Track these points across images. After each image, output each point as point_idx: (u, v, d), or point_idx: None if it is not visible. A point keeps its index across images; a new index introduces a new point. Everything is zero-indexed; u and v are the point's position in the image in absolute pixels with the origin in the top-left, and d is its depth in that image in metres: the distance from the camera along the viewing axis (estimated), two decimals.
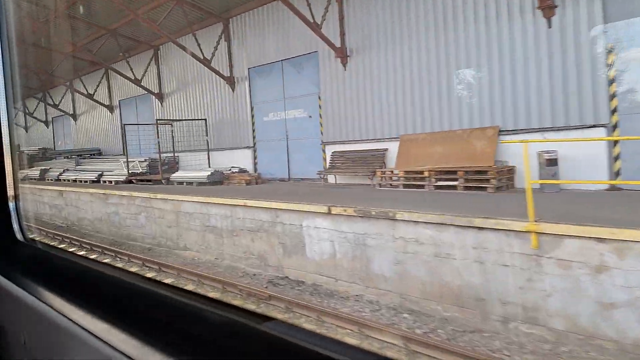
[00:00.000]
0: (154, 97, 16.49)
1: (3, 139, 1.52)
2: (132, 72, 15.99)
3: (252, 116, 12.76)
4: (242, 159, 13.05)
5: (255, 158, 12.84)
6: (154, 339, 0.75)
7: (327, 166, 10.35)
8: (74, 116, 22.78)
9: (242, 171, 12.54)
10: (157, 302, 0.96)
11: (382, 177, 8.46)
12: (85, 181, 15.93)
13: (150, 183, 13.21)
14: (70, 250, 9.94)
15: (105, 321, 0.84)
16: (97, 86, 19.53)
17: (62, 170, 18.64)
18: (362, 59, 9.68)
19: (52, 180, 18.53)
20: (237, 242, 7.98)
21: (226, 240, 8.22)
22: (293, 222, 6.86)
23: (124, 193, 11.14)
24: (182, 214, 9.28)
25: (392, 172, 8.39)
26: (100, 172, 15.72)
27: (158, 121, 12.91)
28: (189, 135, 14.99)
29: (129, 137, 18.94)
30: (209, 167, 13.97)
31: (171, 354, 0.69)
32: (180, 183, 12.32)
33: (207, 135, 14.02)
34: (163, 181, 12.77)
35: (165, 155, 15.49)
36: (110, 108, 19.46)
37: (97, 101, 19.42)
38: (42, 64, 19.88)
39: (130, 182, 14.09)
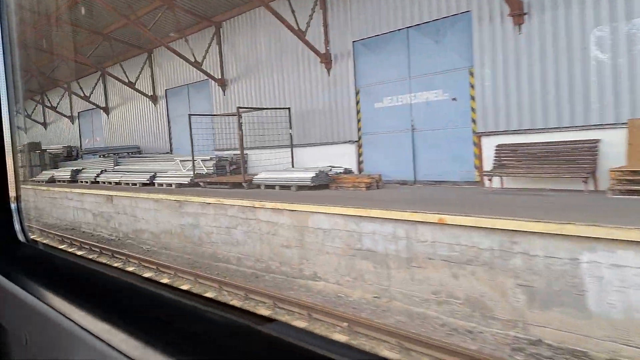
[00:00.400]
0: (215, 83, 14.14)
1: (4, 139, 1.48)
2: (193, 53, 13.65)
3: (357, 103, 10.33)
4: (338, 157, 10.64)
5: (359, 155, 10.40)
6: (155, 339, 0.75)
7: (491, 165, 7.87)
8: (106, 109, 20.58)
9: (348, 172, 10.13)
10: (158, 303, 0.97)
11: (617, 179, 5.97)
12: (134, 184, 13.67)
13: (226, 187, 10.85)
14: (146, 275, 7.64)
15: (106, 321, 0.85)
16: (139, 74, 17.26)
17: (99, 171, 16.45)
18: (551, 15, 7.18)
19: (87, 182, 16.36)
20: (420, 276, 5.55)
21: (396, 272, 5.80)
22: (556, 255, 4.40)
23: (210, 200, 8.78)
24: (311, 231, 6.88)
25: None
26: (152, 174, 13.45)
27: (240, 109, 10.54)
28: (259, 129, 12.66)
29: (177, 132, 16.71)
30: (292, 166, 11.62)
31: (172, 354, 0.70)
32: (270, 187, 9.94)
33: (290, 128, 11.64)
34: (244, 184, 10.41)
35: (228, 153, 13.19)
36: (154, 99, 17.19)
37: (139, 91, 17.16)
38: (70, 48, 17.72)
39: (197, 185, 11.77)
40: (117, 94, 19.78)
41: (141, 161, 15.91)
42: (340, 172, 9.90)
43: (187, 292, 1.01)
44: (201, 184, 11.72)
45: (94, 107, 21.21)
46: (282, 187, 9.67)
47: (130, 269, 8.65)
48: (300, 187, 9.33)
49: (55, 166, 21.95)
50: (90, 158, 22.57)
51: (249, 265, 8.00)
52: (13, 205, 1.56)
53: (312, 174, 9.22)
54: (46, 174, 19.49)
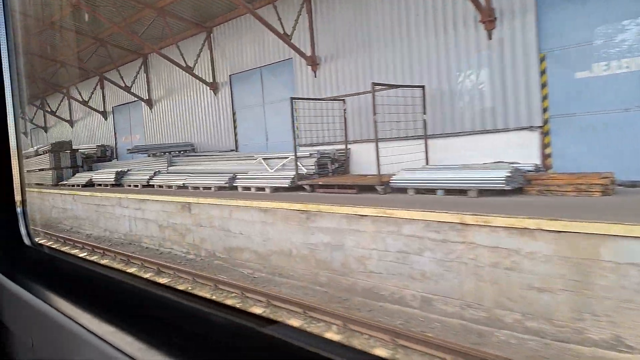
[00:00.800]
0: (302, 63, 11.48)
1: (10, 144, 1.51)
2: (281, 24, 11.02)
3: (542, 73, 7.57)
4: (505, 149, 7.90)
5: (544, 146, 7.63)
6: (159, 341, 0.77)
7: None
8: (149, 102, 18.09)
9: (538, 169, 7.36)
10: (162, 305, 0.98)
11: None
12: (207, 188, 11.08)
13: (351, 191, 8.15)
14: (295, 324, 4.96)
15: (111, 324, 0.86)
16: (197, 58, 14.67)
17: (151, 172, 13.93)
18: None
19: (137, 186, 13.88)
20: None
21: None
22: None
23: (367, 211, 6.08)
24: (607, 267, 4.13)
25: None
26: (230, 175, 10.83)
27: (375, 85, 7.86)
28: (364, 115, 10.03)
29: (244, 126, 14.10)
30: (427, 163, 8.91)
31: (175, 355, 0.71)
32: (425, 191, 7.22)
33: (424, 113, 8.92)
34: (379, 188, 7.72)
35: (328, 148, 10.54)
36: (214, 87, 14.60)
37: (197, 77, 14.57)
38: (110, 28, 15.28)
39: (299, 188, 9.12)
40: (163, 83, 17.28)
41: (203, 160, 13.33)
42: (530, 170, 7.14)
43: (189, 294, 1.01)
44: (306, 187, 9.05)
45: (134, 99, 18.78)
46: (449, 191, 6.95)
47: (258, 310, 5.99)
48: (482, 192, 6.61)
49: (89, 168, 19.63)
50: (127, 158, 20.21)
51: (451, 312, 5.28)
52: (19, 209, 1.55)
53: (505, 173, 6.47)
54: (81, 177, 17.11)
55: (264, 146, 13.18)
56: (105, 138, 22.17)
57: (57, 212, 15.67)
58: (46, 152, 18.78)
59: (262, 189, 9.62)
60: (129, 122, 20.33)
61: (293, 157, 10.10)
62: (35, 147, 20.25)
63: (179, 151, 15.41)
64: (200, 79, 14.54)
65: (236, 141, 14.22)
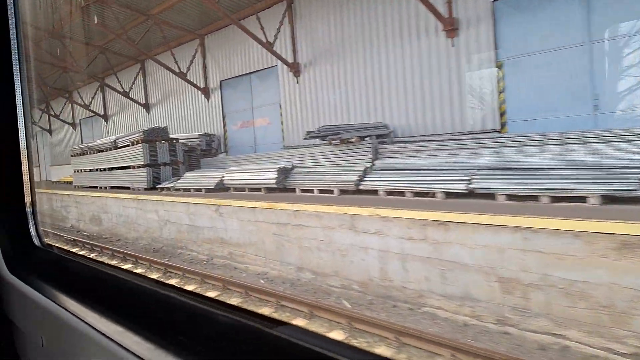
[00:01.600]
0: None
1: (20, 145, 1.57)
2: None
3: None
4: None
5: None
6: (167, 341, 0.78)
7: None
8: (295, 68, 12.86)
9: None
10: (171, 306, 1.01)
11: None
12: (562, 198, 5.61)
13: None
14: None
15: (120, 324, 0.89)
16: None
17: (359, 173, 8.67)
18: None
19: (333, 193, 8.74)
20: None
21: None
22: None
23: None
24: None
25: None
26: None
27: None
28: None
29: (524, 81, 8.55)
30: None
31: (183, 356, 0.73)
32: None
33: None
34: None
35: None
36: (449, 25, 9.12)
37: (431, 9, 9.13)
38: None
39: None
40: (321, 37, 12.02)
41: (457, 148, 7.91)
42: None
43: (198, 295, 1.04)
44: None
45: (262, 68, 13.77)
46: None
47: None
48: None
49: (191, 165, 14.83)
50: (240, 152, 15.30)
51: None
52: (28, 210, 1.58)
53: None
54: (199, 178, 12.13)
55: (581, 121, 7.61)
56: (204, 124, 17.33)
57: (173, 230, 10.73)
58: (136, 143, 14.00)
59: None
60: (250, 101, 15.27)
61: None
62: (113, 138, 15.57)
63: (372, 136, 10.09)
64: (432, 10, 9.06)
65: (501, 115, 8.69)
